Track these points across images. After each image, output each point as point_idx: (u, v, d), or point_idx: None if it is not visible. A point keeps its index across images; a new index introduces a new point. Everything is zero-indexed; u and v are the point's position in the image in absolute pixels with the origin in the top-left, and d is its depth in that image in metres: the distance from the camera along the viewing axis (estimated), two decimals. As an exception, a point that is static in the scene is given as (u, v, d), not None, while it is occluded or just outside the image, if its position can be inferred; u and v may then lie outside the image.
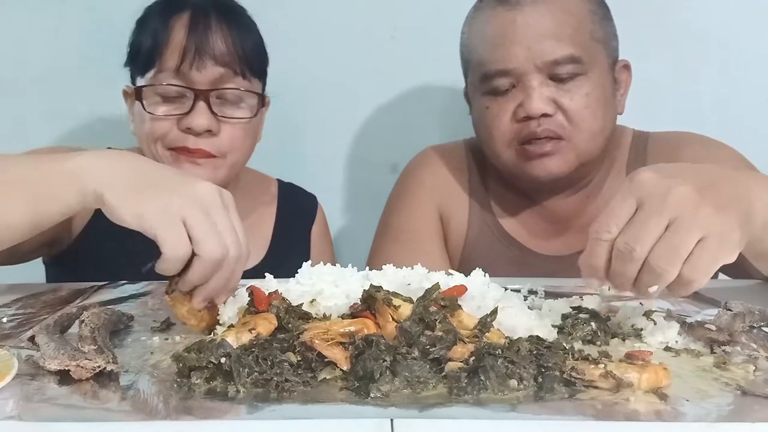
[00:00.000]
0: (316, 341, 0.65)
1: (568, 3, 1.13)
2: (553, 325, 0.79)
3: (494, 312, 0.74)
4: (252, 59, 1.16)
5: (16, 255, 1.11)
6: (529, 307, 0.83)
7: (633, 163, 1.24)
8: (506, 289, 0.85)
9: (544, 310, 0.84)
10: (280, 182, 1.43)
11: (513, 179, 1.24)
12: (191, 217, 0.74)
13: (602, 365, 0.63)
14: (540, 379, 0.62)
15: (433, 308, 0.72)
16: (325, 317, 0.77)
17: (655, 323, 0.78)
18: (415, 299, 0.75)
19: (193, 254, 0.74)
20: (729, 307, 0.79)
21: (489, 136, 1.18)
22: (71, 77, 1.59)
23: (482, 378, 0.61)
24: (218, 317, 0.79)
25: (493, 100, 1.15)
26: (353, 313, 0.75)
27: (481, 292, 0.81)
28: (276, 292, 0.80)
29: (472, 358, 0.64)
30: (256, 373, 0.62)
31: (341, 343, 0.66)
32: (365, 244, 1.34)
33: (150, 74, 1.13)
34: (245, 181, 1.30)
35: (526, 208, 1.26)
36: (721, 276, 1.10)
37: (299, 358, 0.65)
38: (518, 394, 0.61)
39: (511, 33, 1.11)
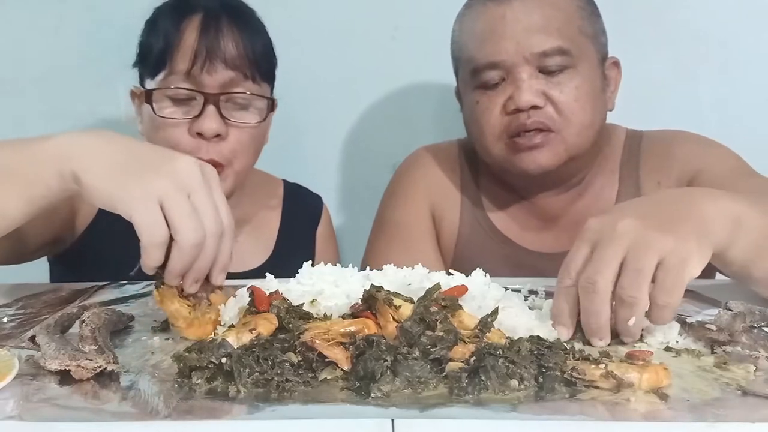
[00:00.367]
0: (317, 341, 0.65)
1: None
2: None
3: (495, 312, 0.74)
4: (262, 63, 1.16)
5: (22, 254, 1.11)
6: (529, 307, 0.83)
7: (626, 162, 1.25)
8: (507, 289, 0.85)
9: (545, 310, 0.84)
10: (286, 183, 1.43)
11: (504, 175, 1.24)
12: (169, 199, 0.73)
13: (603, 365, 0.63)
14: (541, 379, 0.62)
15: (433, 308, 0.73)
16: (326, 317, 0.77)
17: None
18: (415, 299, 0.75)
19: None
20: (729, 307, 0.79)
21: (479, 131, 1.19)
22: (71, 77, 1.59)
23: (483, 378, 0.61)
24: (216, 325, 0.79)
25: (483, 94, 1.16)
26: (354, 313, 0.75)
27: (482, 292, 0.82)
28: (276, 292, 0.80)
29: (473, 358, 0.64)
30: (256, 373, 0.62)
31: (342, 343, 0.66)
32: (366, 244, 1.34)
33: (160, 76, 1.13)
34: (252, 183, 1.30)
35: (518, 206, 1.27)
36: (720, 276, 1.10)
37: (300, 358, 0.65)
38: (519, 394, 0.61)
39: (500, 27, 1.13)
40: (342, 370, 0.65)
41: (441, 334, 0.68)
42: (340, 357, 0.65)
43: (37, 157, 0.79)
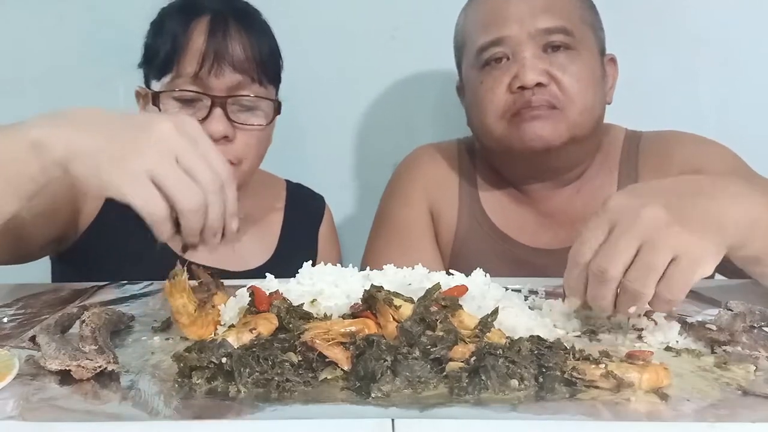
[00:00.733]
0: (317, 341, 0.65)
1: None
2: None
3: (495, 312, 0.74)
4: (268, 66, 1.16)
5: (25, 253, 1.11)
6: (529, 307, 0.83)
7: (625, 161, 1.26)
8: (507, 289, 0.85)
9: (545, 310, 0.84)
10: (289, 183, 1.43)
11: (503, 164, 1.25)
12: (157, 171, 0.72)
13: (603, 365, 0.63)
14: (541, 379, 0.62)
15: (433, 308, 0.73)
16: (326, 317, 0.77)
17: (655, 323, 0.78)
18: (415, 299, 0.75)
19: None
20: (729, 307, 0.79)
21: (483, 111, 1.19)
22: (71, 77, 1.59)
23: (483, 378, 0.61)
24: (216, 325, 0.78)
25: (488, 73, 1.18)
26: (354, 313, 0.75)
27: (482, 292, 0.82)
28: (277, 292, 0.80)
29: (473, 358, 0.64)
30: (257, 373, 0.62)
31: (342, 343, 0.66)
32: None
33: (167, 78, 1.13)
34: (254, 183, 1.30)
35: (516, 203, 1.27)
36: (719, 276, 1.10)
37: (300, 358, 0.65)
38: (519, 394, 0.61)
39: (505, 10, 1.17)
40: (342, 370, 0.64)
41: (441, 334, 0.68)
42: (341, 357, 0.65)
43: (20, 148, 0.75)
